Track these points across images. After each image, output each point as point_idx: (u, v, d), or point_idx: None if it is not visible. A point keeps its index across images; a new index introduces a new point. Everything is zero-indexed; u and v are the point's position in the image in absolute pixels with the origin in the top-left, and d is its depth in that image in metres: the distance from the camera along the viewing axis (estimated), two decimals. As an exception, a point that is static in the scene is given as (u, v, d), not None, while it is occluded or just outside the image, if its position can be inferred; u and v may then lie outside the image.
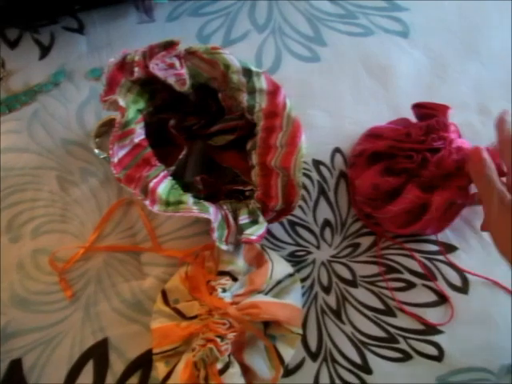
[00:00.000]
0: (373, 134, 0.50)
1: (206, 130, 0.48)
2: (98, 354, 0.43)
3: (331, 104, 0.57)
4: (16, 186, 0.51)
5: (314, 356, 0.44)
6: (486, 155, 0.40)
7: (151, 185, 0.38)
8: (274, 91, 0.43)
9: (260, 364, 0.40)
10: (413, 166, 0.45)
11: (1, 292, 0.46)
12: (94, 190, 0.51)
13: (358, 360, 0.45)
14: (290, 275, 0.45)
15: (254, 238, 0.39)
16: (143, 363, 0.43)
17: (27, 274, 0.47)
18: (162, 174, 0.40)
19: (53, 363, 0.43)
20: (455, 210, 0.46)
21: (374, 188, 0.46)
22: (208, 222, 0.39)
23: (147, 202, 0.37)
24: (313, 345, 0.45)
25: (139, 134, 0.40)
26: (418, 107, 0.48)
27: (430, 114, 0.46)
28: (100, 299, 0.46)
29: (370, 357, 0.45)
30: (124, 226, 0.49)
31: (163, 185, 0.39)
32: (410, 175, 0.46)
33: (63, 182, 0.52)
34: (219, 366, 0.37)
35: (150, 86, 0.45)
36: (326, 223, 0.50)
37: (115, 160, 0.38)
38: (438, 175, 0.44)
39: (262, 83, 0.43)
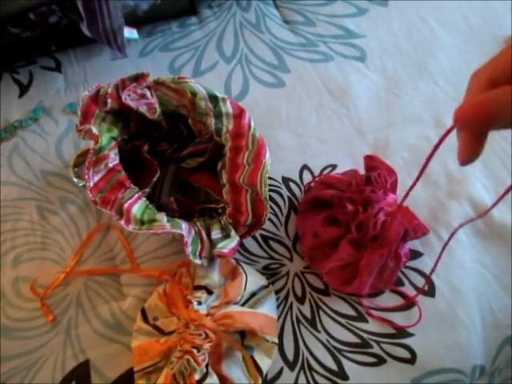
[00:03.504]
0: (325, 182, 0.52)
1: (178, 154, 0.51)
2: (80, 375, 0.44)
3: (298, 125, 0.60)
4: (-3, 217, 0.53)
5: (291, 365, 0.46)
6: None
7: (126, 205, 0.40)
8: (239, 114, 0.47)
9: (238, 374, 0.41)
10: (346, 217, 0.46)
11: (-18, 321, 0.46)
12: (73, 217, 0.53)
13: (334, 367, 0.46)
14: (265, 287, 0.47)
15: (226, 251, 0.42)
16: (125, 382, 0.44)
17: (9, 302, 0.47)
18: (136, 196, 0.42)
19: (35, 387, 0.44)
20: (390, 272, 0.46)
21: (314, 237, 0.47)
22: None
23: (122, 222, 0.39)
24: (290, 354, 0.46)
25: (113, 160, 0.42)
26: (369, 158, 0.50)
27: (375, 168, 0.48)
28: (81, 322, 0.47)
29: (346, 363, 0.46)
30: (103, 250, 0.51)
31: (137, 205, 0.41)
32: (347, 228, 0.46)
33: (43, 211, 0.53)
34: (197, 376, 0.38)
35: (123, 115, 0.48)
36: (298, 237, 0.52)
37: (91, 184, 0.40)
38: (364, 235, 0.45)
39: (227, 107, 0.46)
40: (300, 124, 0.61)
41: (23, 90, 0.64)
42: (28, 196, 0.55)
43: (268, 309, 0.44)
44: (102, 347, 0.45)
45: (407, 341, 0.47)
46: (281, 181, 0.55)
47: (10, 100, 0.63)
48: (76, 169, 0.56)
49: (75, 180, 0.55)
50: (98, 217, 0.53)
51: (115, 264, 0.50)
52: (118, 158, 0.43)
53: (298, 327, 0.47)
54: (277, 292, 0.48)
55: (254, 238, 0.52)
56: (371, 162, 0.49)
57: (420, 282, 0.50)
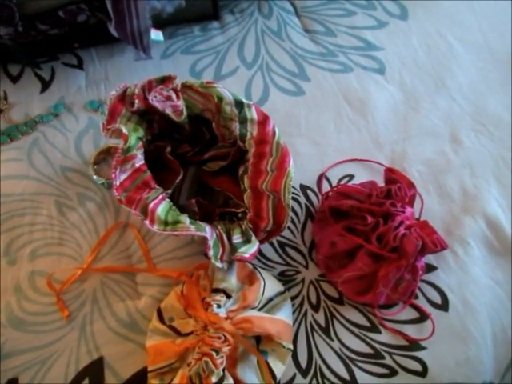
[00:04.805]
0: (342, 193, 0.52)
1: (199, 157, 0.51)
2: (94, 372, 0.44)
3: (316, 133, 0.61)
4: (15, 210, 0.53)
5: (304, 372, 0.46)
6: None
7: (151, 206, 0.40)
8: (263, 121, 0.47)
9: (252, 379, 0.41)
10: (365, 229, 0.47)
11: (-2, 313, 0.47)
12: (91, 214, 0.53)
13: (346, 376, 0.46)
14: (281, 293, 0.47)
15: (246, 256, 0.42)
16: (138, 381, 0.44)
17: (24, 296, 0.48)
18: (160, 196, 0.43)
19: (48, 382, 0.44)
20: (406, 285, 0.47)
21: (331, 246, 0.48)
22: (202, 242, 0.42)
23: (147, 222, 0.40)
24: (303, 361, 0.46)
25: (139, 160, 0.43)
26: (390, 171, 0.51)
27: (396, 181, 0.49)
28: (96, 319, 0.47)
29: (358, 373, 0.46)
30: (120, 248, 0.51)
31: (162, 206, 0.42)
32: (365, 239, 0.47)
33: (61, 206, 0.54)
34: (214, 379, 0.38)
35: (148, 116, 0.48)
36: (314, 244, 0.52)
37: (117, 183, 0.40)
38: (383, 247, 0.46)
39: (252, 114, 0.47)
40: (318, 133, 0.61)
41: (45, 85, 0.65)
42: (47, 191, 0.55)
43: (284, 315, 0.45)
44: (117, 345, 0.46)
45: (419, 354, 0.47)
46: (299, 188, 0.56)
47: (31, 95, 0.64)
48: (96, 166, 0.56)
49: (94, 177, 0.55)
50: (116, 215, 0.53)
51: (131, 263, 0.50)
52: (143, 158, 0.44)
53: (312, 335, 0.48)
54: (292, 299, 0.49)
55: (271, 243, 0.52)
56: (392, 174, 0.49)
57: (433, 295, 0.50)
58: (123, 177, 0.41)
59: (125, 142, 0.40)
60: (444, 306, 0.50)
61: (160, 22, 0.68)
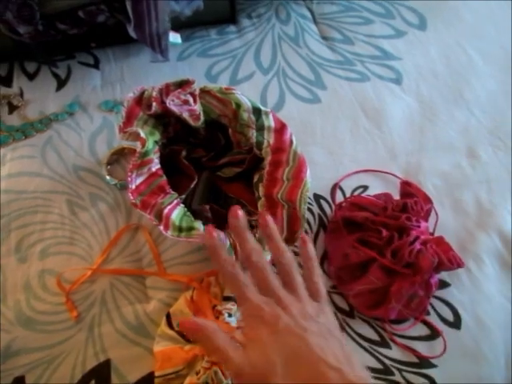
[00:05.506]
0: (356, 204, 0.51)
1: (214, 162, 0.51)
2: (100, 375, 0.44)
3: (331, 142, 0.60)
4: (27, 208, 0.53)
5: (311, 384, 0.45)
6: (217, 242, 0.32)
7: (165, 211, 0.40)
8: (280, 129, 0.47)
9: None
10: (379, 242, 0.46)
11: (7, 310, 0.46)
12: (102, 215, 0.53)
13: (354, 390, 0.45)
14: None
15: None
16: (144, 386, 0.44)
17: (34, 294, 0.48)
18: (175, 202, 0.42)
19: (54, 382, 0.44)
20: (420, 301, 0.46)
21: (344, 258, 0.47)
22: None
23: (161, 227, 0.39)
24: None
25: (156, 164, 0.43)
26: (406, 185, 0.50)
27: (412, 195, 0.48)
28: (104, 321, 0.47)
29: (367, 387, 0.46)
30: (131, 250, 0.51)
31: (176, 211, 0.41)
32: (379, 252, 0.46)
33: (73, 205, 0.54)
34: (222, 389, 0.38)
35: (164, 120, 0.48)
36: (326, 255, 0.52)
37: (133, 186, 0.40)
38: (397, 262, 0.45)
39: (270, 121, 0.47)
40: (333, 142, 0.61)
41: (61, 83, 0.65)
42: (59, 189, 0.55)
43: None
44: (124, 348, 0.45)
45: (429, 371, 0.46)
46: (312, 197, 0.55)
47: (47, 93, 0.64)
48: (109, 167, 0.56)
49: (107, 178, 0.55)
50: (127, 216, 0.53)
51: (142, 265, 0.50)
52: (159, 162, 0.44)
53: (321, 347, 0.47)
54: (302, 309, 0.48)
55: (283, 252, 0.51)
56: (408, 188, 0.49)
57: (446, 312, 0.49)
58: (139, 180, 0.41)
59: (142, 145, 0.40)
60: (456, 323, 0.49)
61: (177, 25, 0.68)
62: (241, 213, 0.33)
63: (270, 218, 0.33)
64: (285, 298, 0.30)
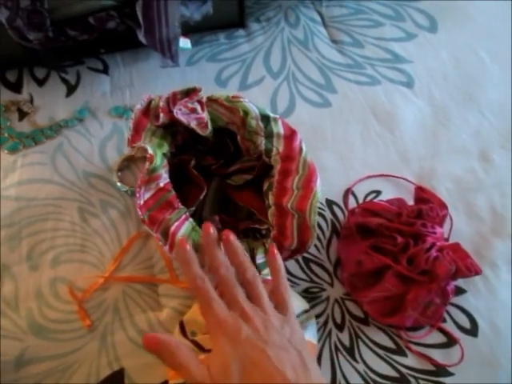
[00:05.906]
0: (369, 209, 0.51)
1: (224, 170, 0.51)
2: (114, 384, 0.44)
3: (342, 147, 0.60)
4: (38, 215, 0.53)
5: (327, 393, 0.45)
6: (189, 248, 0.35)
7: (172, 228, 0.39)
8: (290, 136, 0.46)
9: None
10: (394, 249, 0.45)
11: (19, 319, 0.46)
12: (114, 222, 0.53)
13: (370, 399, 0.45)
14: (306, 311, 0.46)
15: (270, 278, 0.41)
16: (158, 396, 0.43)
17: (46, 302, 0.47)
18: (183, 216, 0.42)
19: (70, 392, 0.43)
20: (436, 308, 0.46)
21: (357, 264, 0.47)
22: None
23: (166, 248, 0.39)
24: (327, 381, 0.45)
25: (164, 179, 0.42)
26: (421, 190, 0.50)
27: (427, 201, 0.48)
28: (117, 329, 0.46)
29: (383, 397, 0.45)
30: (143, 257, 0.51)
31: (184, 227, 0.41)
32: (394, 259, 0.45)
33: (84, 212, 0.53)
34: (237, 399, 0.37)
35: (172, 128, 0.48)
36: (339, 261, 0.51)
37: (141, 202, 0.40)
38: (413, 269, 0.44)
39: (279, 128, 0.46)
40: (345, 146, 0.60)
41: (70, 89, 0.65)
42: (70, 196, 0.55)
43: (309, 334, 0.43)
44: (137, 357, 0.45)
45: (446, 380, 0.46)
46: (325, 203, 0.55)
47: (56, 99, 0.64)
48: (119, 173, 0.56)
49: (118, 184, 0.55)
50: (139, 223, 0.53)
51: (154, 273, 0.50)
52: (168, 176, 0.43)
53: (336, 355, 0.46)
54: (316, 317, 0.47)
55: (296, 259, 0.51)
56: (422, 194, 0.48)
57: (462, 319, 0.49)
58: (147, 195, 0.41)
59: (150, 162, 0.40)
60: (473, 331, 0.48)
61: (186, 30, 0.68)
62: (212, 230, 0.36)
63: (231, 235, 0.36)
64: (249, 310, 0.32)
